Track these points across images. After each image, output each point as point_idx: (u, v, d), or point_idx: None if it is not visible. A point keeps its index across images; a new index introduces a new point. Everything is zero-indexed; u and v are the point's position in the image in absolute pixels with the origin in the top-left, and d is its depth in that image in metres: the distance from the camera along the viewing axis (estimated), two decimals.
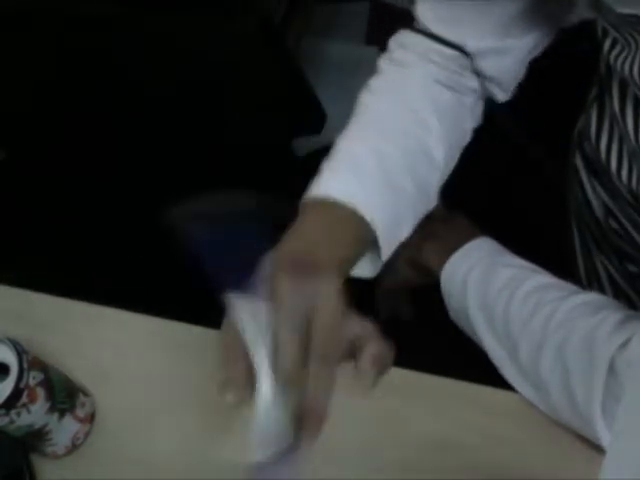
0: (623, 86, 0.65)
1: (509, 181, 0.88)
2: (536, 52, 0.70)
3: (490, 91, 0.71)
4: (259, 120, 1.08)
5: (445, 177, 0.69)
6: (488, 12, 0.66)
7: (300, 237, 0.59)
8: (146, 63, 1.01)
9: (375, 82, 0.70)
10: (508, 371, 0.67)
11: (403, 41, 0.71)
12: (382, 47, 0.74)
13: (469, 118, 0.71)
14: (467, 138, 0.71)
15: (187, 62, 0.99)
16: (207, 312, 0.64)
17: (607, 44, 0.63)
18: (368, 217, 0.61)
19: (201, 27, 0.95)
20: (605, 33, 0.63)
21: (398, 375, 0.71)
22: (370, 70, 0.71)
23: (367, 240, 0.62)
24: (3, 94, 1.10)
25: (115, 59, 1.01)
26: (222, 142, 1.14)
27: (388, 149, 0.65)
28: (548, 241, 0.86)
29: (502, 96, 0.72)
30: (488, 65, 0.68)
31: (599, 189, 0.76)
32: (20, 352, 0.63)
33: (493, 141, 0.76)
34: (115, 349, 0.75)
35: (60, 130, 1.19)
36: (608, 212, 0.76)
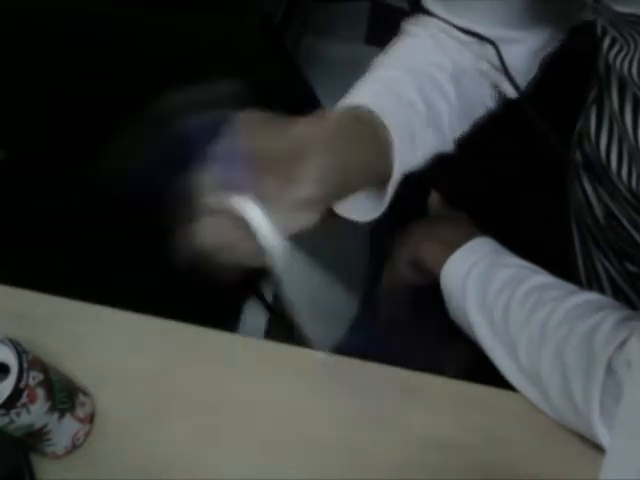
0: (622, 85, 0.65)
1: (509, 181, 0.88)
2: (548, 50, 0.71)
3: (500, 84, 0.71)
4: None
5: (460, 127, 0.69)
6: (498, 2, 0.66)
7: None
8: (146, 63, 1.01)
9: (388, 48, 0.71)
10: (508, 371, 0.67)
11: (415, 21, 0.72)
12: (382, 47, 0.74)
13: (484, 87, 0.70)
14: (482, 108, 0.71)
15: (187, 62, 0.99)
16: (207, 312, 0.65)
17: (606, 43, 0.63)
18: (386, 121, 0.61)
19: (201, 27, 0.94)
20: (604, 32, 0.63)
21: (398, 375, 0.71)
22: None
23: (380, 151, 0.62)
24: (3, 94, 1.10)
25: (115, 59, 1.01)
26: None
27: (396, 73, 0.66)
28: (548, 241, 0.86)
29: (511, 92, 0.72)
30: (496, 54, 0.68)
31: (599, 189, 0.76)
32: (20, 352, 0.63)
33: (493, 141, 0.76)
34: (115, 349, 0.75)
35: (60, 130, 1.19)
36: (608, 212, 0.76)
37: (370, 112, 0.62)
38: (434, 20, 0.70)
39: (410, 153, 0.64)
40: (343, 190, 0.60)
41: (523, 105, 0.70)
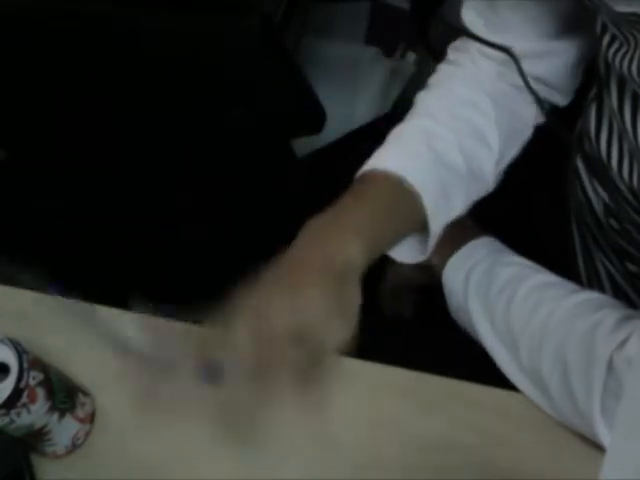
0: (622, 83, 0.65)
1: (509, 181, 0.88)
2: (587, 57, 0.71)
3: (547, 95, 0.71)
4: (259, 120, 1.08)
5: (504, 162, 0.70)
6: (531, 14, 0.66)
7: (334, 208, 0.58)
8: (146, 63, 1.01)
9: (430, 79, 0.71)
10: (509, 369, 0.67)
11: (457, 45, 0.72)
12: (382, 47, 0.74)
13: (527, 108, 0.70)
14: (527, 129, 0.72)
15: (187, 62, 0.99)
16: (206, 312, 0.64)
17: (606, 41, 0.63)
18: (416, 185, 0.61)
19: (201, 27, 0.94)
20: (604, 30, 0.63)
21: (398, 375, 0.71)
22: (370, 70, 0.71)
23: (414, 212, 0.61)
24: (3, 94, 1.10)
25: (115, 59, 1.01)
26: (222, 142, 1.14)
27: (437, 129, 0.65)
28: (548, 240, 0.86)
29: (560, 100, 0.72)
30: (538, 68, 0.69)
31: (599, 188, 0.76)
32: (20, 352, 0.63)
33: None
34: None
35: (60, 130, 1.19)
36: (608, 211, 0.76)
37: (399, 178, 0.61)
38: (471, 42, 0.70)
39: (445, 210, 0.64)
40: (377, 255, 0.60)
41: (547, 112, 0.70)
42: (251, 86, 1.04)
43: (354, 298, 0.54)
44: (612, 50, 0.62)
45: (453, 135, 0.66)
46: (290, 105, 1.08)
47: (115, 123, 1.13)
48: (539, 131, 0.73)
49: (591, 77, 0.73)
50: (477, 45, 0.69)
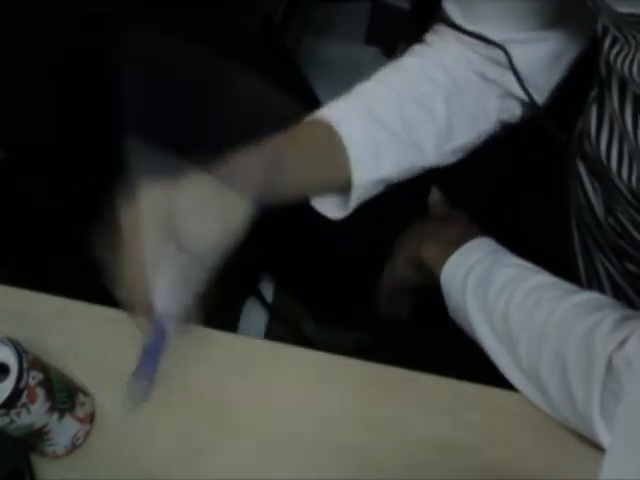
0: (623, 85, 0.65)
1: (509, 181, 0.88)
2: (569, 56, 0.71)
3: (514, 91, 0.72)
4: (259, 120, 1.08)
5: (454, 143, 0.71)
6: (509, 8, 0.67)
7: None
8: (146, 63, 1.01)
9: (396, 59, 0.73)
10: (508, 369, 0.67)
11: (435, 28, 0.73)
12: (382, 47, 0.74)
13: (491, 99, 0.71)
14: (488, 120, 0.72)
15: (186, 62, 0.99)
16: (206, 312, 0.64)
17: (607, 42, 0.63)
18: (343, 132, 0.65)
19: (201, 27, 0.94)
20: (605, 31, 0.63)
21: (398, 375, 0.71)
22: (370, 70, 0.72)
23: (338, 161, 0.65)
24: (3, 94, 1.10)
25: (115, 59, 1.01)
26: (221, 142, 1.14)
27: (382, 90, 0.68)
28: (548, 241, 0.86)
29: (536, 95, 0.72)
30: (515, 59, 0.69)
31: (599, 188, 0.76)
32: (20, 352, 0.63)
33: (492, 141, 0.76)
34: (115, 349, 0.75)
35: (60, 130, 1.19)
36: (608, 211, 0.76)
37: (330, 127, 0.66)
38: (449, 29, 0.71)
39: (374, 167, 0.67)
40: (283, 198, 0.64)
41: (534, 107, 0.71)
42: (251, 86, 1.04)
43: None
44: (614, 52, 0.62)
45: (395, 96, 0.68)
46: (290, 105, 1.08)
47: (115, 123, 1.13)
48: (538, 131, 0.73)
49: (592, 78, 0.73)
50: (453, 32, 0.71)
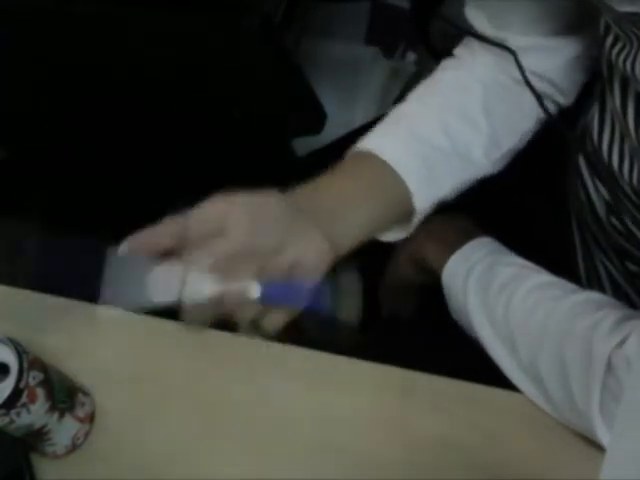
0: (624, 83, 0.65)
1: (510, 180, 0.88)
2: (590, 56, 0.71)
3: (549, 94, 0.71)
4: (259, 120, 1.08)
5: (502, 149, 0.70)
6: (533, 11, 0.67)
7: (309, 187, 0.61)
8: (145, 63, 1.01)
9: (430, 77, 0.72)
10: (508, 369, 0.67)
11: (464, 41, 0.73)
12: (382, 47, 0.74)
13: (528, 100, 0.70)
14: (529, 120, 0.72)
15: (187, 62, 0.99)
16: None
17: (609, 41, 0.63)
18: (393, 162, 0.63)
19: (201, 27, 0.94)
20: (607, 29, 0.63)
21: (398, 375, 0.71)
22: (370, 70, 0.72)
23: (395, 190, 0.63)
24: (3, 94, 1.10)
25: (115, 59, 1.01)
26: (222, 142, 1.14)
27: (421, 109, 0.68)
28: (549, 240, 0.86)
29: (562, 100, 0.72)
30: (539, 64, 0.69)
31: (601, 187, 0.76)
32: (20, 352, 0.63)
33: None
34: (115, 349, 0.75)
35: (60, 130, 1.19)
36: (609, 210, 0.76)
37: (377, 159, 0.64)
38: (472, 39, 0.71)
39: (433, 187, 0.66)
40: (361, 241, 0.62)
41: (543, 107, 0.71)
42: (251, 86, 1.04)
43: None
44: (615, 50, 0.62)
45: (435, 113, 0.67)
46: (290, 105, 1.08)
47: (115, 123, 1.13)
48: (539, 129, 0.73)
49: (594, 76, 0.73)
50: (476, 42, 0.70)
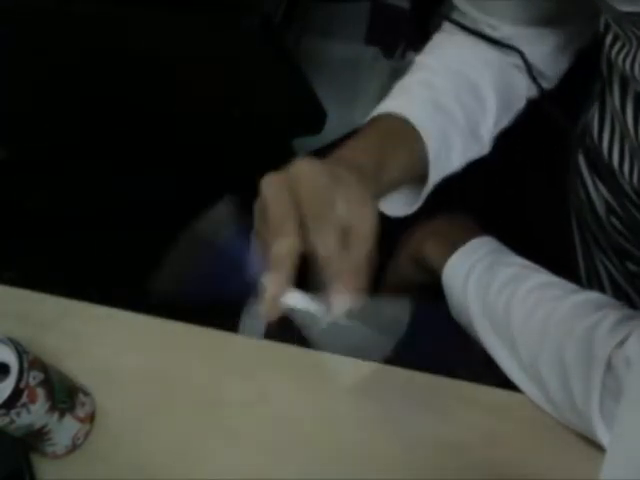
0: (624, 83, 0.65)
1: (510, 180, 0.88)
2: (575, 46, 0.72)
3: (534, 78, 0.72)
4: (259, 120, 1.08)
5: (497, 129, 0.71)
6: (518, 1, 0.67)
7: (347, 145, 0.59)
8: (145, 63, 1.01)
9: (426, 46, 0.72)
10: (509, 368, 0.67)
11: (452, 18, 0.73)
12: (382, 47, 0.74)
13: (518, 78, 0.71)
14: (520, 100, 0.73)
15: (187, 62, 0.99)
16: (208, 312, 0.64)
17: (608, 40, 0.63)
18: (420, 127, 0.63)
19: (201, 27, 0.94)
20: (607, 29, 0.63)
21: (398, 375, 0.71)
22: (370, 70, 0.72)
23: (414, 155, 0.63)
24: (3, 94, 1.10)
25: (115, 59, 1.01)
26: (222, 142, 1.14)
27: (436, 79, 0.67)
28: (549, 239, 0.86)
29: (545, 84, 0.73)
30: (524, 50, 0.69)
31: (601, 186, 0.76)
32: (20, 352, 0.63)
33: (493, 140, 0.76)
34: (115, 349, 0.75)
35: (60, 130, 1.19)
36: (610, 209, 0.76)
37: (405, 120, 0.63)
38: (466, 17, 0.71)
39: (445, 159, 0.66)
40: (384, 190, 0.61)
41: (542, 99, 0.71)
42: (251, 86, 1.04)
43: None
44: (615, 49, 0.62)
45: (452, 87, 0.67)
46: (290, 105, 1.08)
47: (115, 123, 1.13)
48: (539, 129, 0.73)
49: (594, 75, 0.73)
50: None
